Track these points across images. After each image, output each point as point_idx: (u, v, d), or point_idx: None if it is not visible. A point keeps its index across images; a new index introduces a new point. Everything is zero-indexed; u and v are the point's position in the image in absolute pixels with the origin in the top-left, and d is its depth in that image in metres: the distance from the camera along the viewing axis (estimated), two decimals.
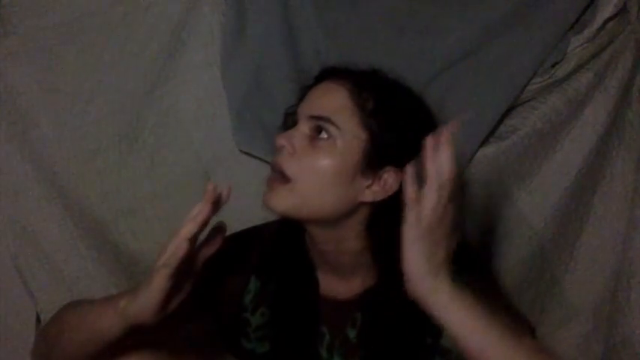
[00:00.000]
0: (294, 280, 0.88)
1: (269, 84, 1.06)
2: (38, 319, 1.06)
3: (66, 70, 1.03)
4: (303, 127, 0.81)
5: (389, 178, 0.80)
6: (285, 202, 0.79)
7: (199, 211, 0.74)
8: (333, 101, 0.81)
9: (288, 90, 1.05)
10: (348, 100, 0.80)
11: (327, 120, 0.79)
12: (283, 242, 0.89)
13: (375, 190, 0.80)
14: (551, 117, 1.03)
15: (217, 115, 1.08)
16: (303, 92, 0.86)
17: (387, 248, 0.76)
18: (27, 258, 1.05)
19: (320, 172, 0.79)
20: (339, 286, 0.87)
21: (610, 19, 0.98)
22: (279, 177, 0.79)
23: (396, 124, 0.80)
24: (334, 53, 1.04)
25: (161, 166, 1.09)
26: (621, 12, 0.98)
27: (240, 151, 1.08)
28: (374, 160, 0.79)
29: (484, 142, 1.05)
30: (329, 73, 0.86)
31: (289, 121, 0.86)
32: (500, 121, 1.04)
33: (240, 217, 1.09)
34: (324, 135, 0.79)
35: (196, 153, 1.09)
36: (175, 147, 1.09)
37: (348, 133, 0.79)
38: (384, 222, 0.79)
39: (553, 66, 1.01)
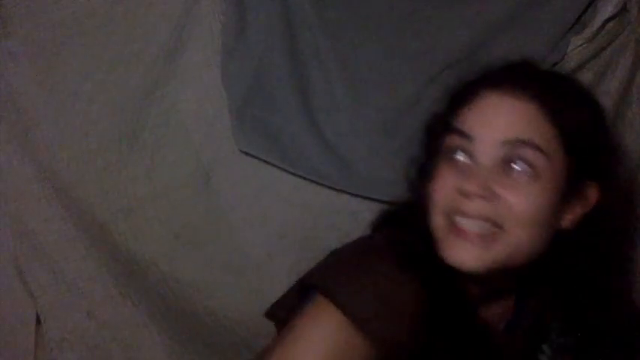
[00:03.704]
0: (462, 323, 0.70)
1: (269, 84, 1.06)
2: (38, 319, 1.06)
3: (66, 70, 1.03)
4: (489, 160, 0.65)
5: (590, 194, 0.69)
6: (494, 257, 0.64)
7: None
8: (530, 123, 0.65)
9: (287, 90, 1.06)
10: (545, 122, 0.65)
11: (534, 146, 0.64)
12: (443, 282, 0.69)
13: (576, 213, 0.69)
14: None
15: (217, 115, 1.08)
16: (451, 106, 0.70)
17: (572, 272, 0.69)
18: (27, 258, 1.05)
19: (534, 217, 0.64)
20: (498, 309, 0.74)
21: (610, 19, 0.98)
22: (482, 230, 0.64)
23: (591, 131, 0.68)
24: (334, 53, 1.04)
25: (161, 166, 1.08)
26: (621, 12, 0.98)
27: (240, 151, 1.08)
28: (578, 181, 0.68)
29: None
30: (493, 81, 0.69)
31: (434, 144, 0.71)
32: None
33: (240, 217, 1.10)
34: (519, 166, 0.64)
35: (196, 153, 1.09)
36: (175, 147, 1.09)
37: (556, 163, 0.65)
38: (576, 243, 0.69)
39: (553, 66, 1.01)
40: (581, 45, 1.00)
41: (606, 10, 0.98)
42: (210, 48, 1.06)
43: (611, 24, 0.99)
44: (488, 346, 0.72)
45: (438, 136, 0.71)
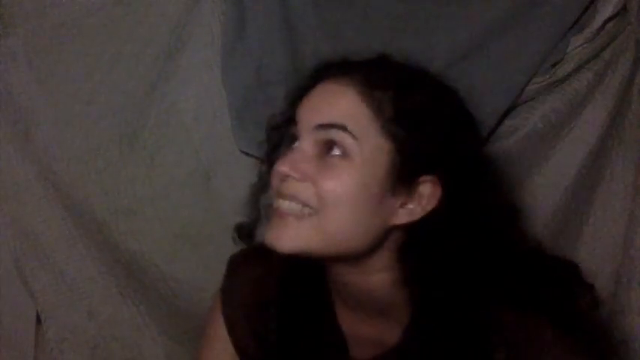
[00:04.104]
0: (314, 328, 0.73)
1: (269, 84, 1.06)
2: (38, 319, 1.06)
3: (66, 70, 1.03)
4: (307, 144, 0.67)
5: (425, 191, 0.66)
6: (306, 238, 0.65)
7: None
8: (343, 106, 0.66)
9: (287, 90, 1.06)
10: (360, 104, 0.66)
11: (341, 127, 0.64)
12: (297, 280, 0.73)
13: (410, 209, 0.66)
14: (551, 117, 1.03)
15: (217, 115, 1.08)
16: (294, 98, 0.72)
17: (428, 279, 0.64)
18: (27, 258, 1.05)
19: (343, 197, 0.64)
20: (369, 328, 0.72)
21: (610, 19, 0.98)
22: (297, 210, 0.65)
23: (424, 123, 0.66)
24: (334, 53, 1.04)
25: (161, 166, 1.08)
26: (621, 12, 0.98)
27: (240, 151, 1.08)
28: (404, 173, 0.65)
29: (484, 143, 1.05)
30: (327, 72, 0.71)
31: (277, 136, 0.74)
32: (500, 122, 1.04)
33: (240, 217, 1.10)
34: (336, 151, 0.65)
35: (196, 153, 1.09)
36: (175, 147, 1.09)
37: (368, 144, 0.64)
38: (424, 245, 0.65)
39: (553, 66, 1.01)
40: (581, 45, 1.00)
41: (606, 10, 0.98)
42: (210, 48, 1.06)
43: (611, 24, 0.98)
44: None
45: (283, 127, 0.73)
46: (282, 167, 0.66)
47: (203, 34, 1.05)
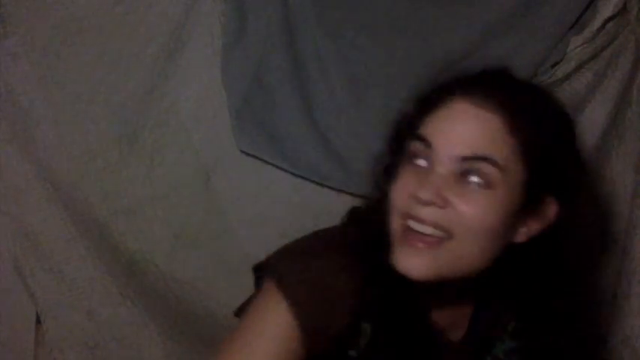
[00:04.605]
0: (410, 328, 0.72)
1: (269, 84, 1.06)
2: (38, 319, 1.06)
3: (66, 70, 1.03)
4: (448, 171, 0.65)
5: (548, 210, 0.68)
6: (440, 265, 0.65)
7: None
8: (489, 136, 0.65)
9: (287, 90, 1.06)
10: (505, 133, 0.65)
11: (489, 161, 0.64)
12: (396, 285, 0.70)
13: (532, 228, 0.68)
14: None
15: (217, 115, 1.08)
16: (420, 110, 0.70)
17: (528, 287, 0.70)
18: (27, 258, 1.05)
19: (482, 225, 0.64)
20: (443, 313, 0.74)
21: (610, 19, 0.98)
22: (432, 234, 0.65)
23: (555, 147, 0.67)
24: (334, 53, 1.04)
25: (161, 166, 1.08)
26: (621, 12, 0.98)
27: (241, 151, 1.08)
28: (535, 196, 0.67)
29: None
30: (461, 89, 0.68)
31: (398, 146, 0.72)
32: None
33: (240, 217, 1.10)
34: (475, 179, 0.64)
35: (196, 153, 1.09)
36: (175, 147, 1.09)
37: (511, 175, 0.65)
38: (531, 257, 0.69)
39: (553, 66, 1.01)
40: (581, 45, 1.00)
41: (606, 10, 0.98)
42: (211, 48, 1.06)
43: (611, 24, 0.99)
44: (435, 351, 0.72)
45: (403, 137, 0.71)
46: (426, 194, 0.65)
47: (203, 34, 1.06)
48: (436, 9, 1.03)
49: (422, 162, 0.68)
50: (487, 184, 0.64)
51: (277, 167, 1.08)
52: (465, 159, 0.65)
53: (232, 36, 1.05)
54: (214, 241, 1.09)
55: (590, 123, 1.02)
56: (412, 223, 0.66)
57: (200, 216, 1.10)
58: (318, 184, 1.08)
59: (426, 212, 0.65)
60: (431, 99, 0.70)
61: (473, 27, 1.02)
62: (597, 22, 0.98)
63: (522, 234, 0.68)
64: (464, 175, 0.65)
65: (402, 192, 0.68)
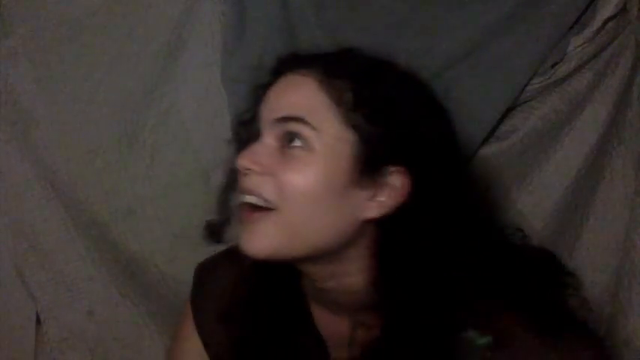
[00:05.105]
0: (290, 331, 0.71)
1: None
2: (38, 320, 1.06)
3: (66, 70, 1.03)
4: (268, 138, 0.65)
5: (395, 181, 0.63)
6: (274, 239, 0.62)
7: None
8: (301, 97, 0.64)
9: None
10: (319, 94, 0.64)
11: (299, 120, 0.63)
12: (270, 284, 0.71)
13: (380, 201, 0.63)
14: (551, 117, 1.03)
15: (217, 115, 1.08)
16: (258, 93, 0.70)
17: (402, 276, 0.62)
18: (27, 258, 1.05)
19: (304, 190, 0.62)
20: (347, 328, 0.69)
21: (610, 19, 0.98)
22: (259, 203, 0.63)
23: (386, 112, 0.64)
24: None
25: (161, 166, 1.09)
26: (621, 12, 0.98)
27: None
28: (370, 164, 0.63)
29: (484, 142, 1.04)
30: (288, 65, 0.69)
31: (245, 132, 0.72)
32: (500, 121, 1.04)
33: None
34: (297, 142, 0.63)
35: (196, 153, 1.09)
36: (175, 147, 1.09)
37: (329, 135, 0.63)
38: (397, 240, 0.63)
39: (553, 66, 1.01)
40: (581, 45, 0.99)
41: (606, 10, 0.97)
42: (210, 48, 1.06)
43: (611, 24, 0.98)
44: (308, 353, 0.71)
45: (250, 124, 0.71)
46: (242, 161, 0.64)
47: (203, 33, 1.06)
48: (436, 9, 1.03)
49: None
50: (305, 146, 0.62)
51: None
52: (279, 120, 0.64)
53: (232, 36, 1.05)
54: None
55: (590, 123, 1.02)
56: (241, 197, 0.65)
57: (200, 216, 1.10)
58: None
59: (246, 181, 0.64)
60: (267, 81, 0.70)
61: (472, 27, 1.02)
62: (597, 22, 0.98)
63: (372, 208, 0.63)
64: (286, 142, 0.64)
65: (237, 168, 0.67)
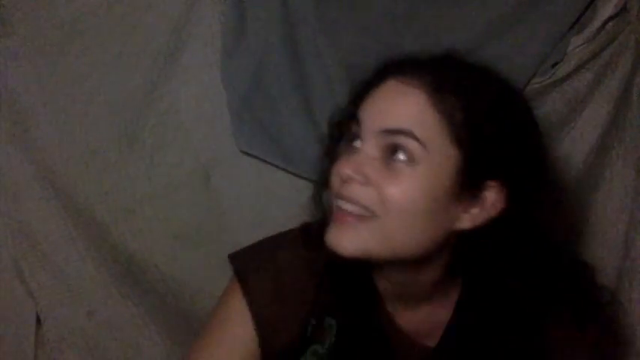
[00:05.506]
0: (365, 321, 0.72)
1: (269, 84, 1.06)
2: (38, 319, 1.06)
3: (66, 70, 1.03)
4: (372, 148, 0.65)
5: (490, 196, 0.65)
6: (366, 242, 0.63)
7: None
8: (410, 110, 0.64)
9: (287, 90, 1.06)
10: (428, 108, 0.63)
11: (408, 134, 0.62)
12: (348, 275, 0.71)
13: (474, 214, 0.65)
14: (551, 117, 1.03)
15: (217, 115, 1.08)
16: (357, 94, 0.69)
17: (483, 281, 0.67)
18: (27, 258, 1.05)
19: (406, 204, 0.62)
20: (413, 317, 0.73)
21: (610, 19, 0.98)
22: (358, 212, 0.64)
23: (493, 129, 0.64)
24: (334, 53, 1.04)
25: (161, 166, 1.08)
26: (621, 12, 0.98)
27: (240, 151, 1.08)
28: (471, 179, 0.64)
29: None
30: (393, 69, 0.68)
31: (338, 132, 0.71)
32: None
33: (240, 217, 1.10)
34: (401, 155, 0.63)
35: (196, 153, 1.09)
36: (175, 147, 1.09)
37: (434, 151, 0.63)
38: (483, 250, 0.66)
39: (553, 66, 1.01)
40: (581, 45, 1.00)
41: (606, 10, 0.98)
42: (210, 48, 1.06)
43: (611, 24, 0.98)
44: (401, 353, 0.72)
45: (344, 123, 0.70)
46: (346, 170, 0.64)
47: (203, 34, 1.05)
48: (436, 9, 1.03)
49: (358, 143, 0.67)
50: (410, 160, 0.63)
51: (277, 167, 1.08)
52: (386, 132, 0.63)
53: (232, 36, 1.05)
54: (214, 241, 1.09)
55: (590, 123, 1.02)
56: (339, 202, 0.65)
57: (200, 216, 1.10)
58: None
59: (347, 190, 0.64)
60: (368, 82, 0.69)
61: (473, 27, 1.02)
62: (597, 22, 0.98)
63: (465, 220, 0.65)
64: (389, 153, 0.64)
65: (335, 173, 0.67)
